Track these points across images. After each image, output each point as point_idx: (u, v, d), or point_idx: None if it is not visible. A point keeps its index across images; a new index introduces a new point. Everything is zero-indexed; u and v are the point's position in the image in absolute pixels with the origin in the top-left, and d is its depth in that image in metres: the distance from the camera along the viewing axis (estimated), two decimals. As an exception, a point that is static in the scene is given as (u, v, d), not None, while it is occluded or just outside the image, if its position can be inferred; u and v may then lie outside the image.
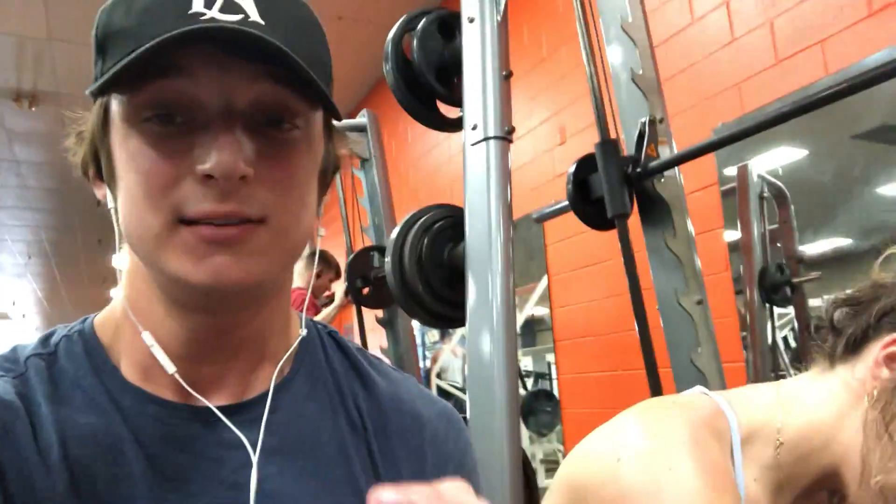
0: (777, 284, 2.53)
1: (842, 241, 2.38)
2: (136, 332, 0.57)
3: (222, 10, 0.50)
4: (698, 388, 0.80)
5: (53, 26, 4.36)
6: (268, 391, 0.60)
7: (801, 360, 2.57)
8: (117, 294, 0.61)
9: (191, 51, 0.49)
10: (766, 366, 2.51)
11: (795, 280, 2.51)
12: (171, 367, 0.55)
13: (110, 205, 0.57)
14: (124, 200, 0.52)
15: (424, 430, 0.66)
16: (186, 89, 0.50)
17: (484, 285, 1.25)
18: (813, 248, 2.47)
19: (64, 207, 7.84)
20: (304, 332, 0.66)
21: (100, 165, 0.56)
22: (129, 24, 0.50)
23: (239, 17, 0.50)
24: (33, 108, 5.27)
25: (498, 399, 1.23)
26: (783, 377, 2.60)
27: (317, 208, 0.60)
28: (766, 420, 0.75)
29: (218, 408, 0.57)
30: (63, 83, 5.06)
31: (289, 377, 0.62)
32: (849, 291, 0.81)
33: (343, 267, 3.00)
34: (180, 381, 0.56)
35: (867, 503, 0.70)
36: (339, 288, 3.64)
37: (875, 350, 0.73)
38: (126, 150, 0.52)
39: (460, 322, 1.29)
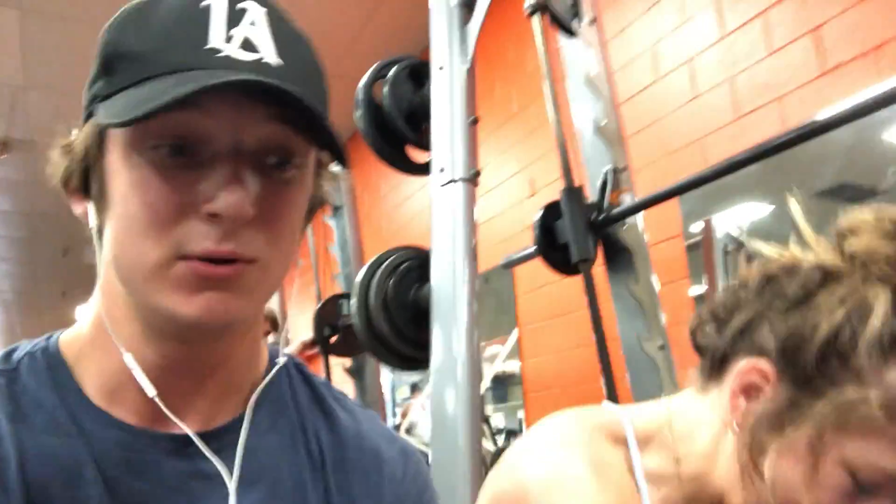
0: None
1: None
2: (106, 352, 0.56)
3: (241, 48, 0.50)
4: (604, 402, 0.79)
5: (29, 74, 4.37)
6: (232, 421, 0.59)
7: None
8: (86, 313, 0.60)
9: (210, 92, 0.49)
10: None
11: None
12: (151, 391, 0.54)
13: (92, 223, 0.56)
14: (120, 227, 0.52)
15: (383, 468, 0.65)
16: (198, 124, 0.50)
17: (448, 331, 1.26)
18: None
19: (30, 258, 7.71)
20: (281, 361, 0.65)
21: (86, 182, 0.56)
22: (143, 49, 0.50)
23: (256, 56, 0.51)
24: (4, 156, 5.22)
25: (461, 443, 1.23)
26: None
27: (298, 242, 0.60)
28: (658, 426, 0.73)
29: (182, 436, 0.56)
30: (36, 131, 5.04)
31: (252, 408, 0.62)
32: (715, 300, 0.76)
33: (312, 315, 2.98)
34: (160, 404, 0.55)
35: None
36: (301, 337, 3.59)
37: (733, 375, 0.69)
38: (129, 177, 0.51)
39: (426, 363, 1.29)
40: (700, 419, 0.72)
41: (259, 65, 0.50)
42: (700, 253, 2.54)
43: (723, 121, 2.31)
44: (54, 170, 0.57)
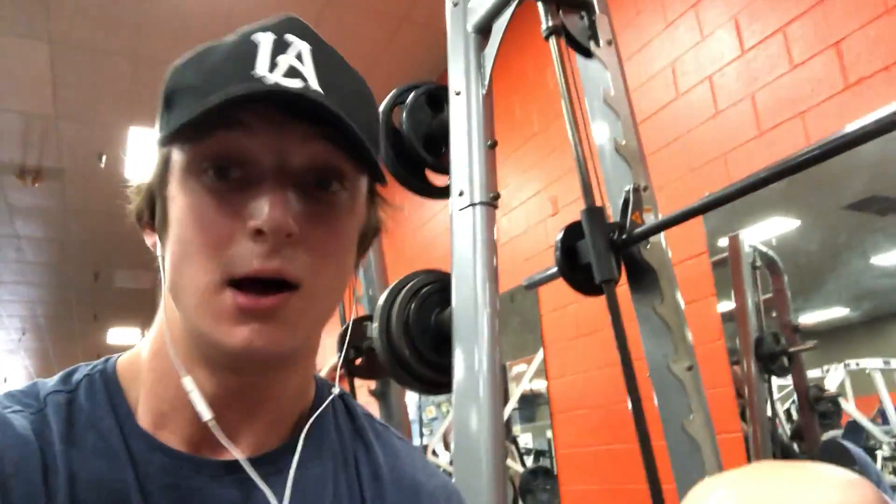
0: (774, 354, 2.51)
1: (839, 310, 2.39)
2: (161, 376, 0.57)
3: (285, 76, 0.52)
4: None
5: (60, 104, 4.48)
6: (280, 449, 0.60)
7: (802, 432, 2.54)
8: (146, 338, 0.62)
9: (252, 109, 0.51)
10: (765, 437, 2.47)
11: (792, 349, 2.49)
12: (207, 414, 0.55)
13: (158, 252, 0.58)
14: (176, 252, 0.53)
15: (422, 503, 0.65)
16: (244, 144, 0.51)
17: (470, 353, 1.25)
18: (807, 317, 2.47)
19: (61, 282, 7.85)
20: (336, 391, 0.67)
21: (153, 213, 0.58)
22: (197, 83, 0.52)
23: (300, 84, 0.52)
24: (36, 185, 5.35)
25: (485, 466, 1.21)
26: (786, 449, 2.54)
27: (354, 270, 0.61)
28: None
29: (228, 462, 0.57)
30: (67, 160, 5.16)
31: (297, 437, 0.62)
32: None
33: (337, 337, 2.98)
34: (214, 428, 0.55)
35: None
36: (329, 361, 3.60)
37: None
38: (183, 201, 0.53)
39: (447, 388, 1.29)
40: None
41: (304, 90, 0.52)
42: (727, 269, 2.50)
43: (745, 136, 2.29)
44: (131, 206, 0.60)
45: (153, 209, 0.58)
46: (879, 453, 2.68)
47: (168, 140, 0.52)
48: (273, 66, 0.52)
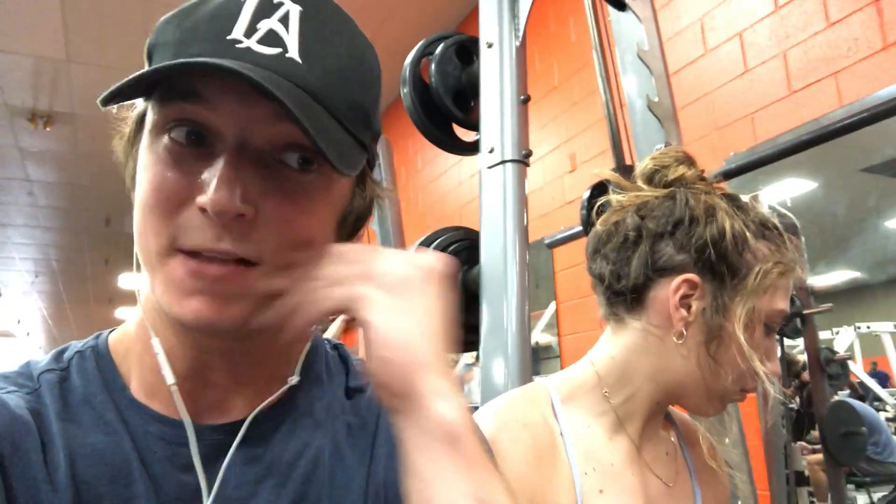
0: (787, 315, 2.51)
1: (852, 273, 2.37)
2: (147, 348, 0.56)
3: (261, 42, 0.49)
4: (540, 379, 0.93)
5: (71, 48, 4.42)
6: (270, 408, 0.59)
7: (812, 391, 2.55)
8: (134, 312, 0.61)
9: (216, 80, 0.48)
10: (775, 397, 2.48)
11: (806, 311, 2.49)
12: (170, 378, 0.54)
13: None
14: (136, 212, 0.52)
15: None
16: (205, 117, 0.49)
17: (498, 309, 1.24)
18: (823, 279, 2.45)
19: (73, 226, 7.89)
20: (328, 345, 0.66)
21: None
22: (173, 39, 0.50)
23: (276, 51, 0.49)
24: (48, 129, 5.32)
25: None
26: (792, 410, 2.56)
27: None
28: (583, 379, 0.88)
29: (227, 425, 0.57)
30: (79, 104, 5.12)
31: (288, 399, 0.61)
32: (598, 235, 0.89)
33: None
34: (174, 394, 0.55)
35: (708, 410, 0.86)
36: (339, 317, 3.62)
37: (661, 297, 0.83)
38: (143, 162, 0.52)
39: (474, 346, 1.28)
40: (629, 348, 0.87)
41: (278, 59, 0.49)
42: (745, 230, 2.48)
43: (774, 96, 2.24)
44: (121, 157, 0.57)
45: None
46: (883, 414, 2.70)
47: (124, 97, 0.49)
48: (253, 30, 0.49)
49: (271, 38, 0.49)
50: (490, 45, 1.39)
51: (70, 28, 4.22)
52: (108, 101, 0.47)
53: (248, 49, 0.48)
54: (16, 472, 0.49)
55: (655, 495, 0.86)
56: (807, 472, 2.52)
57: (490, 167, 1.33)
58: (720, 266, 0.81)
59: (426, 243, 1.40)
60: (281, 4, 0.50)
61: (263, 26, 0.49)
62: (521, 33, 1.36)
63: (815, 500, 2.57)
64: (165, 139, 0.50)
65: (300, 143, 0.50)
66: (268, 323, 0.51)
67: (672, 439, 0.93)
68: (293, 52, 0.49)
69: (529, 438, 0.80)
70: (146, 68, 0.49)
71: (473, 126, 1.45)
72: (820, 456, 2.51)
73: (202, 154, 0.49)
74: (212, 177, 0.48)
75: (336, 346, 0.69)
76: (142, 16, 4.10)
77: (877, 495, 2.59)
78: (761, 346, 0.83)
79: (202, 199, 0.47)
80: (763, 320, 0.82)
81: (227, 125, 0.49)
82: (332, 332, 3.22)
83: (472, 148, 1.48)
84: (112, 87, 0.47)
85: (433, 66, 1.46)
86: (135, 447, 0.53)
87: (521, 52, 1.38)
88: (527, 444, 0.79)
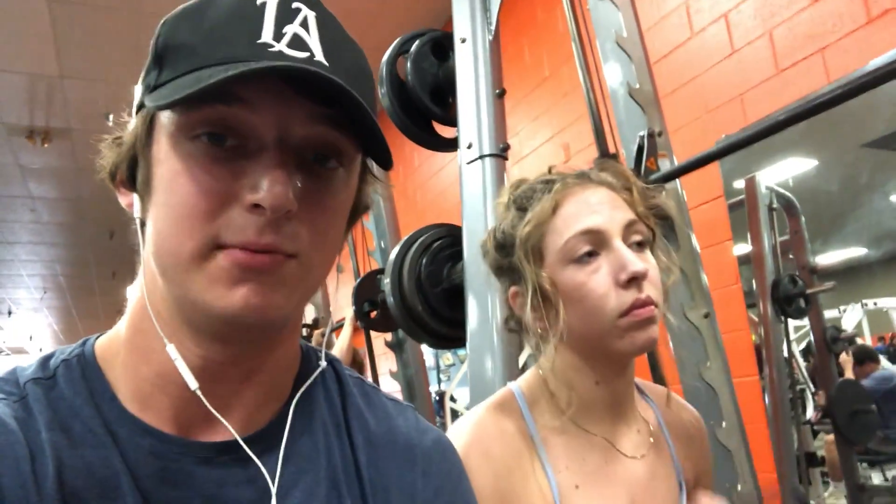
0: (791, 296, 2.49)
1: (854, 251, 2.35)
2: (143, 353, 0.56)
3: (290, 46, 0.50)
4: (509, 383, 0.94)
5: (64, 64, 4.43)
6: (269, 425, 0.59)
7: (819, 372, 2.53)
8: (123, 316, 0.60)
9: (254, 82, 0.48)
10: (782, 379, 2.47)
11: (810, 291, 2.47)
12: (193, 383, 0.54)
13: (137, 214, 0.56)
14: (162, 217, 0.51)
15: (416, 464, 0.65)
16: (244, 118, 0.49)
17: (483, 304, 1.24)
18: (825, 258, 2.44)
19: (78, 241, 7.92)
20: (323, 364, 0.66)
21: (133, 174, 0.55)
22: (195, 42, 0.50)
23: (305, 54, 0.50)
24: (46, 145, 5.34)
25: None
26: (802, 392, 2.55)
27: (341, 244, 0.60)
28: (536, 383, 0.89)
29: (217, 444, 0.56)
30: (75, 119, 5.14)
31: (287, 411, 0.61)
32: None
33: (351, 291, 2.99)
34: (202, 398, 0.54)
35: (626, 346, 0.82)
36: (348, 314, 3.63)
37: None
38: (173, 166, 0.51)
39: (461, 342, 1.28)
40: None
41: (309, 62, 0.50)
42: (743, 212, 2.46)
43: (763, 76, 2.22)
44: (104, 161, 0.57)
45: (133, 169, 0.55)
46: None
47: (162, 107, 0.50)
48: (280, 34, 0.50)
49: (298, 43, 0.51)
50: (464, 41, 1.38)
51: (61, 44, 4.23)
52: (178, 102, 0.48)
53: (281, 53, 0.49)
54: (6, 480, 0.48)
55: (633, 477, 0.86)
56: (820, 453, 2.51)
57: (469, 163, 1.32)
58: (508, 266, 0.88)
59: (410, 241, 1.40)
60: (299, 10, 0.52)
61: (289, 31, 0.50)
62: (493, 27, 1.35)
63: (828, 479, 2.56)
64: (199, 141, 0.50)
65: (334, 145, 0.52)
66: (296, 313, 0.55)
67: (643, 415, 0.93)
68: (319, 56, 0.51)
69: (500, 450, 0.82)
70: (207, 73, 0.48)
71: (452, 122, 1.44)
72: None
73: (236, 153, 0.50)
74: (262, 174, 0.49)
75: (331, 361, 0.69)
76: (133, 29, 4.11)
77: (891, 472, 2.58)
78: (584, 269, 0.82)
79: (257, 197, 0.48)
80: (572, 256, 0.82)
81: (267, 125, 0.50)
82: (338, 348, 3.21)
83: (452, 144, 1.48)
84: (192, 90, 0.47)
85: (409, 63, 1.45)
86: (124, 460, 0.53)
87: (495, 46, 1.37)
88: (496, 457, 0.81)
